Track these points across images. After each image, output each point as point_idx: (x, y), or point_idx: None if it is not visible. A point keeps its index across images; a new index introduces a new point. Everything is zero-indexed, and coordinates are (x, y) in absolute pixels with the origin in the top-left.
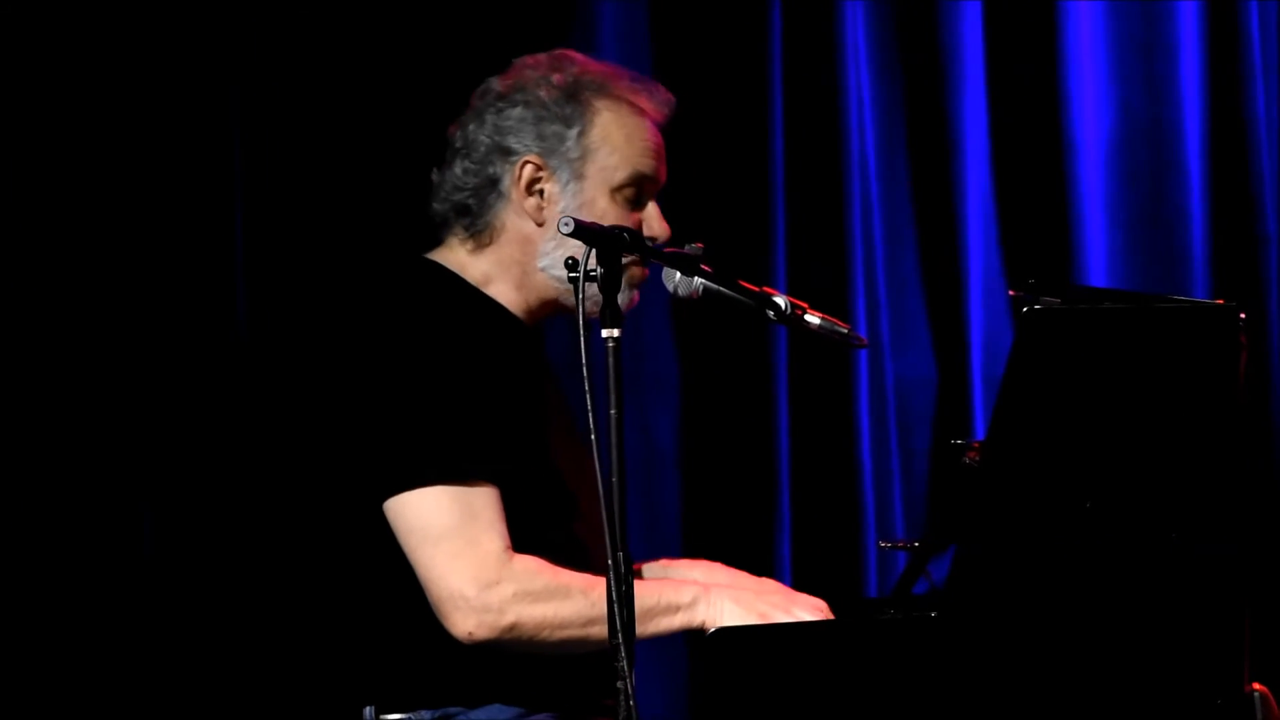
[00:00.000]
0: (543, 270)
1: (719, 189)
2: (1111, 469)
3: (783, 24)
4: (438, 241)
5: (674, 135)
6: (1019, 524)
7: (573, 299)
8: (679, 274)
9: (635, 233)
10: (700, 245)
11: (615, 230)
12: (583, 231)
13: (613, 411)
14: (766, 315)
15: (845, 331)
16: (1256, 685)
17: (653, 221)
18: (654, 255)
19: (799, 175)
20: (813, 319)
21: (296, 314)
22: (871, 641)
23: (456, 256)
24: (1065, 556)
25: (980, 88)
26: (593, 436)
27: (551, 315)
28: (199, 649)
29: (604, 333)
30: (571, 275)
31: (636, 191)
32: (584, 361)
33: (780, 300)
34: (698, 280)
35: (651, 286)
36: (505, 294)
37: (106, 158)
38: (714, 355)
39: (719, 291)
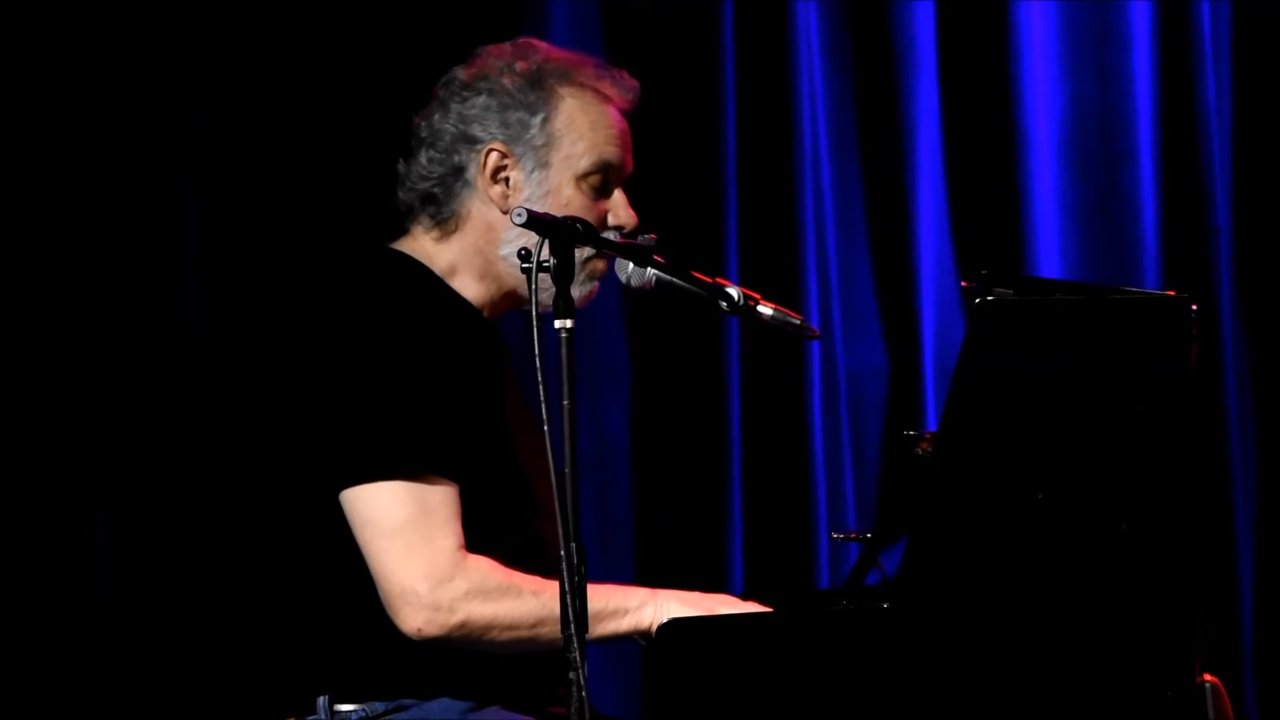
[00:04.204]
0: (504, 259)
1: (672, 181)
2: (1063, 460)
3: (734, 18)
4: (403, 231)
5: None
6: (971, 515)
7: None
8: (632, 265)
9: (589, 224)
10: (653, 236)
11: (569, 221)
12: (536, 222)
13: (565, 402)
14: (719, 306)
15: (798, 323)
16: (1208, 677)
17: (619, 210)
18: (607, 246)
19: (751, 168)
20: (765, 310)
21: (251, 303)
22: (823, 633)
23: (423, 246)
24: (1017, 548)
25: (932, 80)
26: (545, 428)
27: (512, 308)
28: (153, 639)
29: (557, 324)
30: (525, 266)
31: (602, 179)
32: (536, 352)
33: (733, 291)
34: (651, 271)
35: (604, 277)
36: (469, 285)
37: (57, 146)
38: (666, 346)
39: (672, 283)
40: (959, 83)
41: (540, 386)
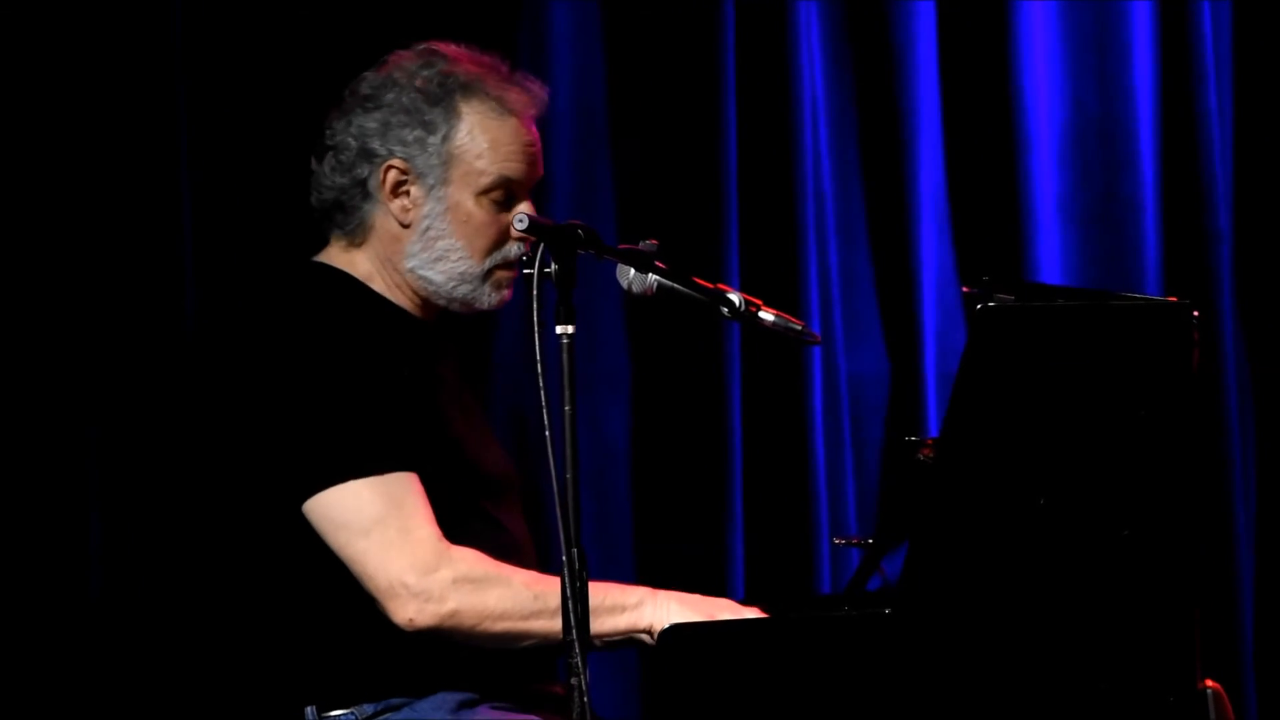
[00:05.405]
0: (411, 271)
1: (673, 186)
2: (1065, 466)
3: (735, 21)
4: (324, 240)
5: (628, 132)
6: (973, 521)
7: (441, 299)
8: (633, 271)
9: (590, 229)
10: (654, 242)
11: (569, 226)
12: (536, 228)
13: (566, 408)
14: (720, 312)
15: (799, 328)
16: (1209, 682)
17: None
18: (608, 252)
19: (752, 172)
20: (766, 316)
21: (226, 319)
22: (825, 639)
23: (341, 255)
24: (1018, 553)
25: (933, 85)
26: (547, 434)
27: (457, 310)
28: (140, 654)
29: (558, 329)
30: (525, 271)
31: (505, 194)
32: (538, 358)
33: (734, 297)
34: (652, 277)
35: (605, 282)
36: (388, 291)
37: (57, 151)
38: (667, 351)
39: (673, 288)
40: (960, 87)
41: (542, 392)
